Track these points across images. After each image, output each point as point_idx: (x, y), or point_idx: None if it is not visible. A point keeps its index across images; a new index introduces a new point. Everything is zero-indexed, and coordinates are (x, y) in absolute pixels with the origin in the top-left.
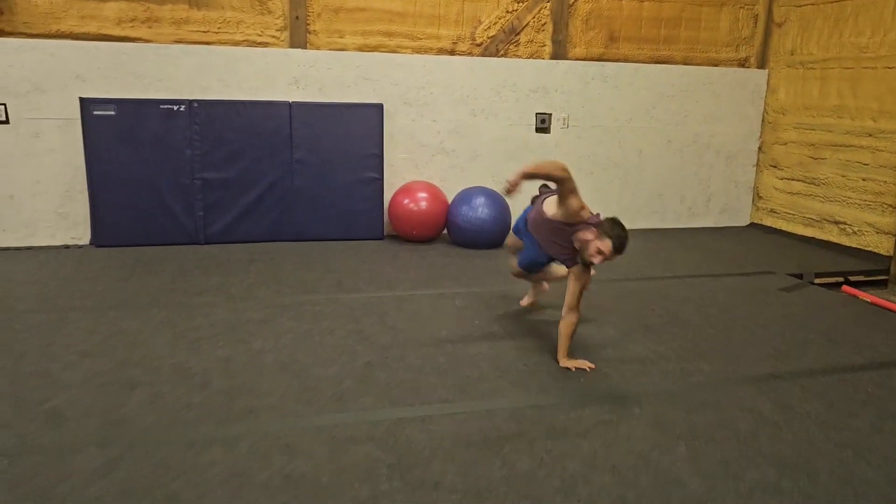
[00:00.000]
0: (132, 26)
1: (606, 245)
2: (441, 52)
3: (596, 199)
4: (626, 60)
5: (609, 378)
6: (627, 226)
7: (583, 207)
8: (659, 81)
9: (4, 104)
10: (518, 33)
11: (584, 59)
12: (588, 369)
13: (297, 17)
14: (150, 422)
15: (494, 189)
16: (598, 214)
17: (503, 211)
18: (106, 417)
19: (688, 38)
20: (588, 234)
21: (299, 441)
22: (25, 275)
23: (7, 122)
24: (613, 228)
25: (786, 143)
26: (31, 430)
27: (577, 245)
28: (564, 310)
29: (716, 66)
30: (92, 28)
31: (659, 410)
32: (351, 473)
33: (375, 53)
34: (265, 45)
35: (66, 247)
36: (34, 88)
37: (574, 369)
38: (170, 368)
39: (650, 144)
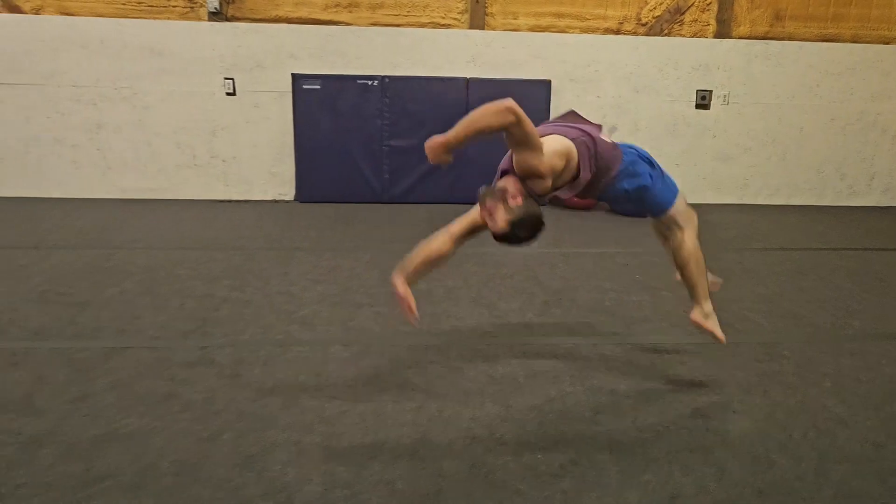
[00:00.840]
0: (336, 11)
1: (500, 218)
2: (607, 31)
3: (753, 174)
4: (791, 39)
5: (761, 327)
6: (783, 202)
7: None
8: (825, 59)
9: (233, 79)
10: (683, 13)
11: (747, 38)
12: None
13: (476, 1)
14: (377, 331)
15: None
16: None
17: None
18: (344, 325)
19: (858, 15)
20: (511, 187)
21: (496, 353)
22: (250, 222)
23: (234, 94)
24: (522, 221)
25: None
26: (292, 330)
27: (497, 181)
28: None
29: (887, 43)
30: (303, 13)
31: (807, 354)
32: (540, 378)
33: (546, 33)
34: (447, 26)
35: (276, 201)
36: (256, 65)
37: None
38: (383, 295)
39: (812, 122)
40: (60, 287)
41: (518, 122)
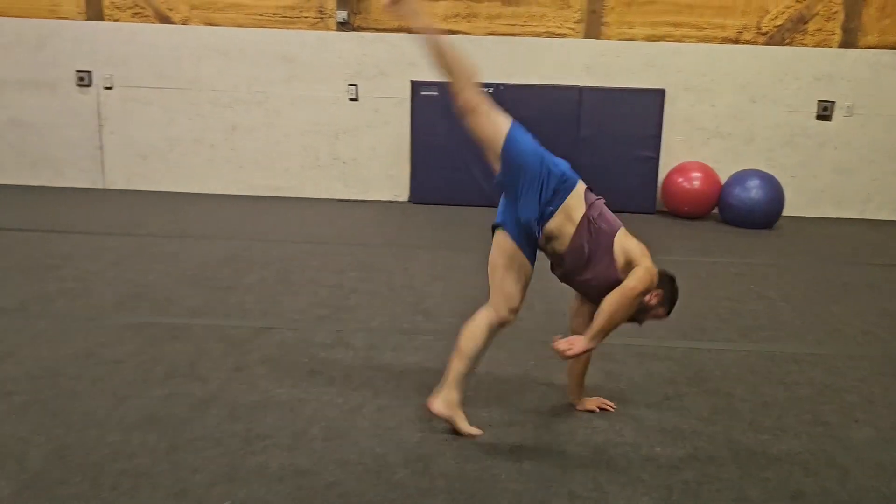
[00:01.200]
0: (455, 21)
1: (661, 314)
2: (725, 41)
3: (876, 189)
4: None
5: (885, 342)
6: None
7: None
8: None
9: (356, 85)
10: (807, 22)
11: (875, 48)
12: (611, 408)
13: (593, 11)
14: None
15: (769, 172)
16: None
17: (777, 193)
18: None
19: None
20: (653, 300)
21: (611, 352)
22: (368, 220)
23: (357, 99)
24: (673, 299)
25: None
26: (417, 320)
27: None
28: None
29: None
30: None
31: None
32: (656, 379)
33: (661, 43)
34: (563, 36)
35: (391, 202)
36: (379, 73)
37: (598, 409)
38: None
39: None
40: (207, 272)
41: (646, 292)
